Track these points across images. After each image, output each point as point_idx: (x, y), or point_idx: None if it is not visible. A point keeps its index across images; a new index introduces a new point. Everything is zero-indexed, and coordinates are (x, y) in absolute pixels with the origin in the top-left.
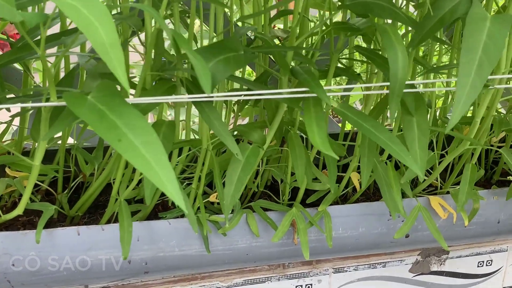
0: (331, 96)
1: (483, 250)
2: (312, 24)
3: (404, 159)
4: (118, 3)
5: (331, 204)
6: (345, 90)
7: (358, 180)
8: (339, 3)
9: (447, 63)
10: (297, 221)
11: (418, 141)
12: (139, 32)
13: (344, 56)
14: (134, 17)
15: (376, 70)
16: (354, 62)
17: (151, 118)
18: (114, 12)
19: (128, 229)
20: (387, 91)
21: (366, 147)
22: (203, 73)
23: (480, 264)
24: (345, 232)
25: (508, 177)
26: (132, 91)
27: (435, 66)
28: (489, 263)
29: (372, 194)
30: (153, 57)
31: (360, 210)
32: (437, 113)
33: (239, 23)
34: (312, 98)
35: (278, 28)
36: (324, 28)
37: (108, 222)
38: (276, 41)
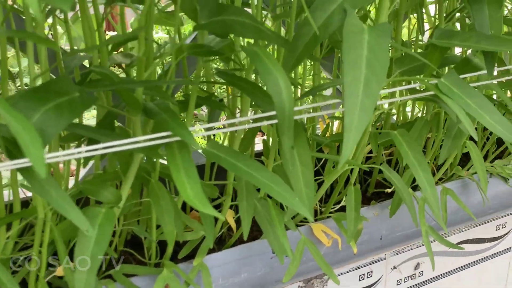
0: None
1: (363, 263)
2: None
3: (290, 202)
4: None
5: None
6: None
7: (234, 218)
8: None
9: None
10: (170, 286)
11: (303, 177)
12: None
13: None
14: None
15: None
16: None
17: None
18: None
19: None
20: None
21: (244, 188)
22: (30, 141)
23: (362, 277)
24: (226, 282)
25: (386, 190)
26: None
27: (300, 78)
28: (369, 274)
29: (250, 230)
30: None
31: (240, 253)
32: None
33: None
34: (176, 141)
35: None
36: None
37: None
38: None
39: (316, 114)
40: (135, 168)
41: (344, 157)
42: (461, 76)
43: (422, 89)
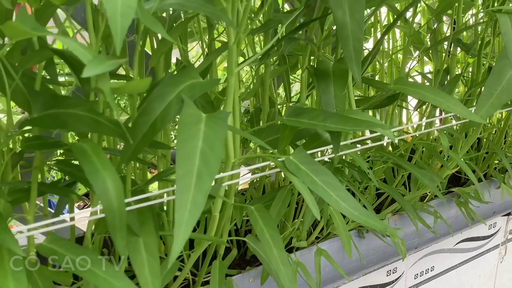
0: None
1: None
2: None
3: None
4: None
5: None
6: None
7: None
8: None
9: None
10: None
11: (148, 266)
12: None
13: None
14: None
15: None
16: None
17: None
18: None
19: None
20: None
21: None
22: None
23: None
24: None
25: None
26: None
27: None
28: None
29: None
30: None
31: None
32: None
33: None
34: None
35: None
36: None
37: None
38: None
39: (169, 198)
40: None
41: (174, 254)
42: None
43: None
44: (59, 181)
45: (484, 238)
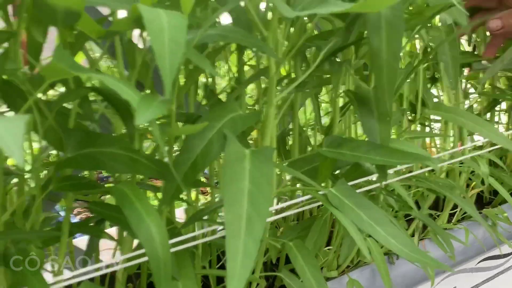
0: None
1: None
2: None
3: None
4: None
5: None
6: None
7: None
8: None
9: None
10: None
11: None
12: None
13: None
14: None
15: None
16: None
17: None
18: None
19: None
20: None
21: None
22: None
23: None
24: None
25: None
26: None
27: None
28: None
29: None
30: None
31: None
32: None
33: None
34: None
35: None
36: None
37: None
38: None
39: (208, 239)
40: None
41: None
42: None
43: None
44: (88, 221)
45: (504, 256)
